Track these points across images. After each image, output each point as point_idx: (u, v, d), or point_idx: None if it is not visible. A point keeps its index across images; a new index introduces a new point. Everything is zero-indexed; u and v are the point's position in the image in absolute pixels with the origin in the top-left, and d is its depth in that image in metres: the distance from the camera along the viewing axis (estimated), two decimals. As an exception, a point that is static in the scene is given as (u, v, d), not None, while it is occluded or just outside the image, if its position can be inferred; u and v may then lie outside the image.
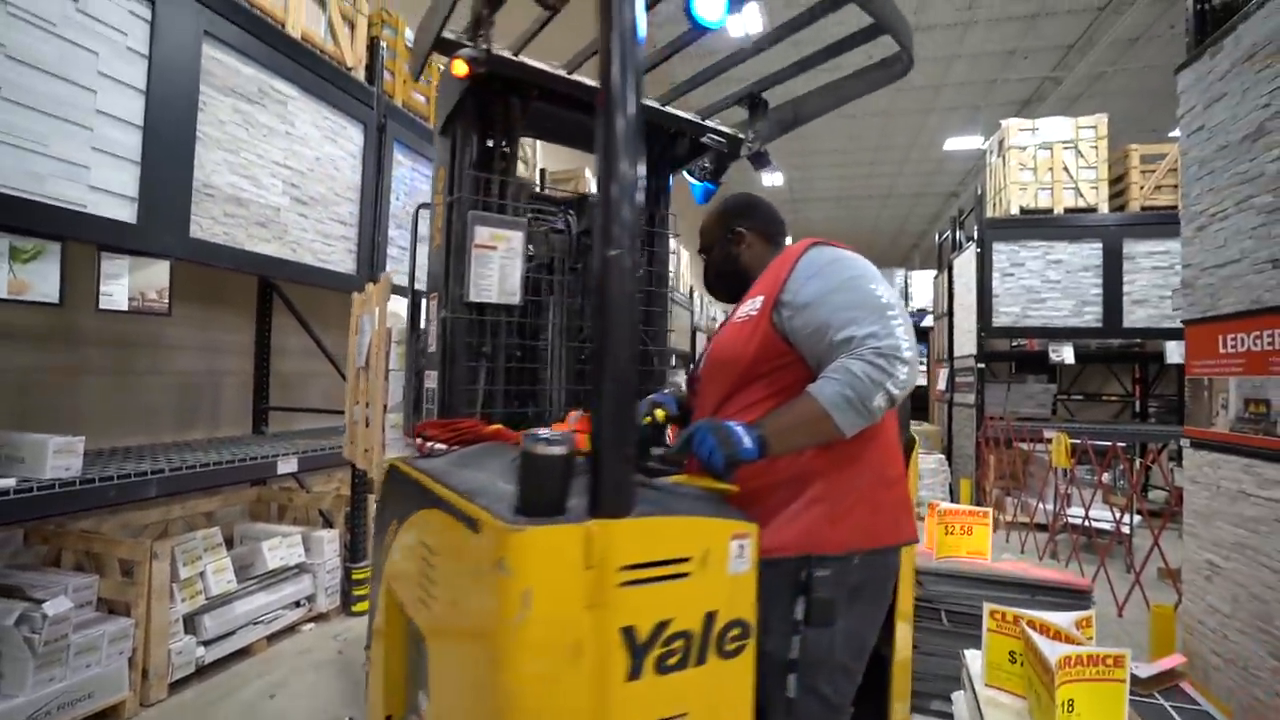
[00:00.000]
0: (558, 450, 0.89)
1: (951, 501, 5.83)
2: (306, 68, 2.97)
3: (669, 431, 1.53)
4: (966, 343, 6.18)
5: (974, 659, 1.57)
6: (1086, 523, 4.18)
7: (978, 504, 5.45)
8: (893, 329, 1.11)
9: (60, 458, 1.96)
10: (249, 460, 2.62)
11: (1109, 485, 5.02)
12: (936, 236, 8.33)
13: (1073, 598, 2.09)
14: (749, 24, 9.25)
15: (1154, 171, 5.55)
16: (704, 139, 1.87)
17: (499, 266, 1.63)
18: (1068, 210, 5.62)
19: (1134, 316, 5.49)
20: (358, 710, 2.25)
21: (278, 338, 3.54)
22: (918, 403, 9.92)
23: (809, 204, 18.61)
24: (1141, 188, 5.55)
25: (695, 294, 8.46)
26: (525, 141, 5.06)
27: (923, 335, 10.37)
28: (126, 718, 2.19)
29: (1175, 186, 5.51)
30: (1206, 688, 2.12)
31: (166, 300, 2.37)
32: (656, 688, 0.90)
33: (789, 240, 1.46)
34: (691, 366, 1.78)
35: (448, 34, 1.52)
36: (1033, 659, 1.32)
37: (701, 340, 8.07)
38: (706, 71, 1.81)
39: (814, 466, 1.17)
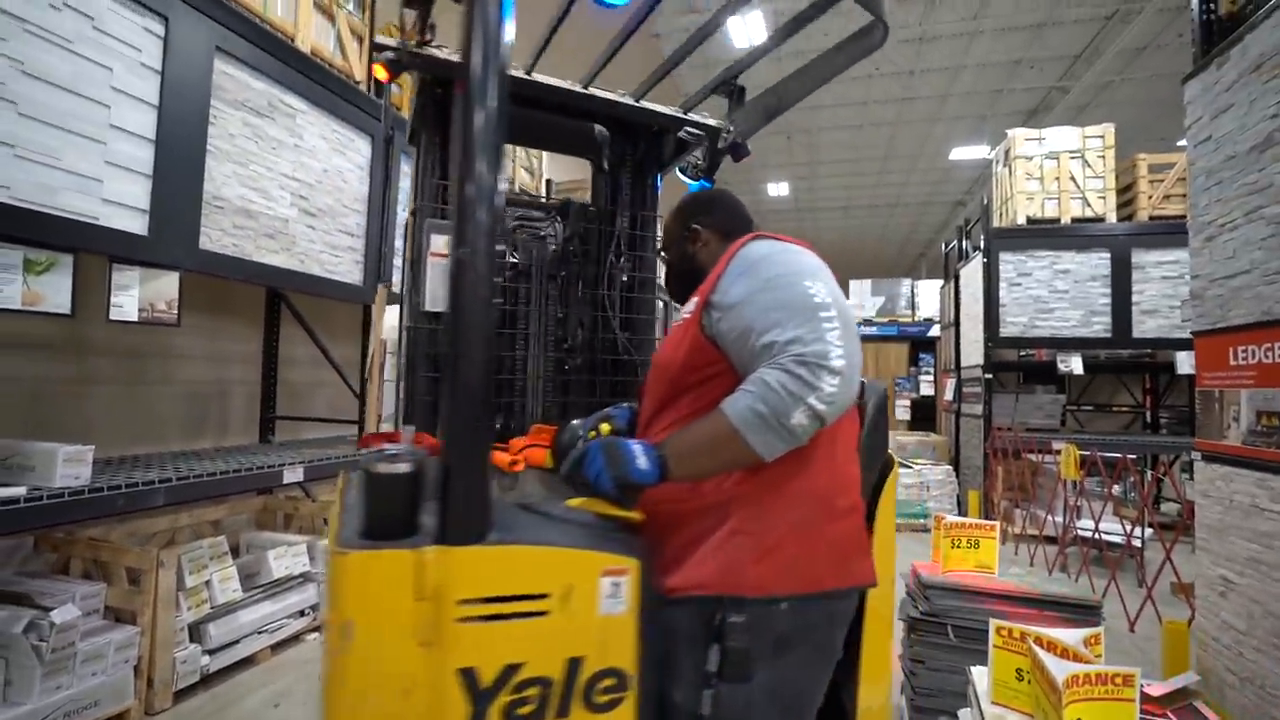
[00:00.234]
0: (401, 469, 0.82)
1: (959, 513, 5.79)
2: (316, 81, 3.02)
3: None
4: (973, 353, 6.15)
5: (980, 676, 1.55)
6: (1097, 535, 4.13)
7: (986, 516, 5.40)
8: (822, 333, 0.94)
9: (70, 466, 1.97)
10: (256, 469, 2.63)
11: (1119, 497, 4.97)
12: (943, 246, 8.30)
13: (1082, 613, 2.06)
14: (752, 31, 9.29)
15: (1162, 181, 5.52)
16: (681, 134, 1.77)
17: None
18: (1075, 220, 5.59)
19: (1144, 327, 5.45)
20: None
21: (285, 348, 3.57)
22: (924, 413, 9.87)
23: (814, 213, 18.62)
24: (1150, 197, 5.52)
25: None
26: (532, 153, 5.11)
27: (929, 345, 10.35)
28: (131, 727, 2.19)
29: (1184, 195, 5.47)
30: (1221, 707, 2.08)
31: (176, 311, 2.40)
32: None
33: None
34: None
35: (381, 39, 1.50)
36: (1040, 677, 1.30)
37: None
38: (673, 56, 1.73)
39: (740, 492, 1.01)
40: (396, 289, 3.07)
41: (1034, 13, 8.29)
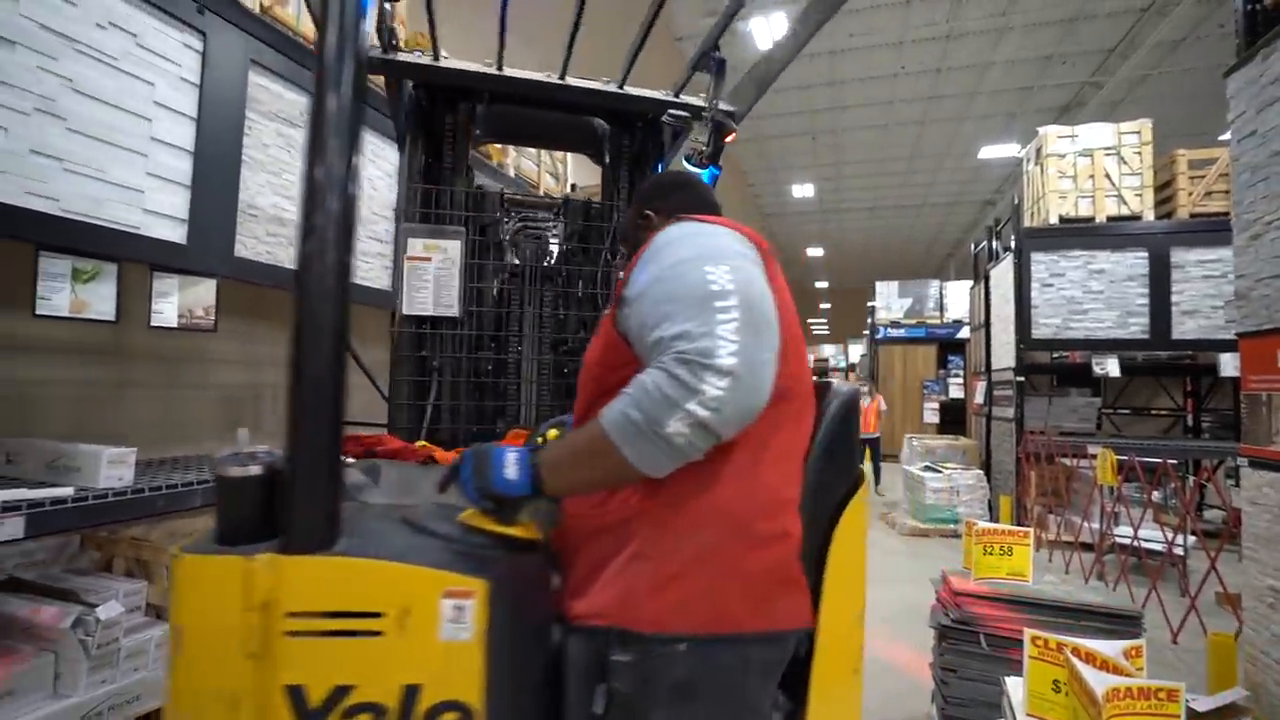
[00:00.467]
0: (252, 471, 0.79)
1: (991, 518, 5.66)
2: (346, 92, 3.08)
3: None
4: (1005, 355, 6.02)
5: (1015, 686, 1.52)
6: (1136, 543, 4.00)
7: (1018, 522, 5.28)
8: (713, 326, 0.79)
9: (114, 468, 2.04)
10: (288, 471, 2.69)
11: (1159, 504, 4.81)
12: (972, 246, 8.15)
13: (1122, 624, 2.00)
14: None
15: (1203, 177, 5.34)
16: (664, 118, 1.66)
17: (434, 278, 1.59)
18: (1110, 219, 5.44)
19: (1184, 327, 5.27)
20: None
21: (316, 352, 3.64)
22: (954, 416, 9.69)
23: (840, 214, 18.44)
24: (1190, 194, 5.34)
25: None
26: (557, 156, 5.13)
27: (958, 348, 10.16)
28: (170, 721, 2.25)
29: (1227, 192, 5.29)
30: (1270, 723, 2.00)
31: (213, 317, 2.47)
32: None
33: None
34: None
35: (404, 55, 1.52)
36: (1078, 690, 1.27)
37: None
38: (692, 58, 1.66)
39: (643, 509, 0.87)
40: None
41: (1065, 7, 8.11)
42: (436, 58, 1.55)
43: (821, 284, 28.85)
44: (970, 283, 8.56)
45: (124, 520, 2.30)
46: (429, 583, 0.78)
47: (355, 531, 0.83)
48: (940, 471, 5.96)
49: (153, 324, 2.28)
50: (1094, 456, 4.37)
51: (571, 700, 0.86)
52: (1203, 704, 1.47)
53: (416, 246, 1.59)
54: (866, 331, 12.75)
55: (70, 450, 2.07)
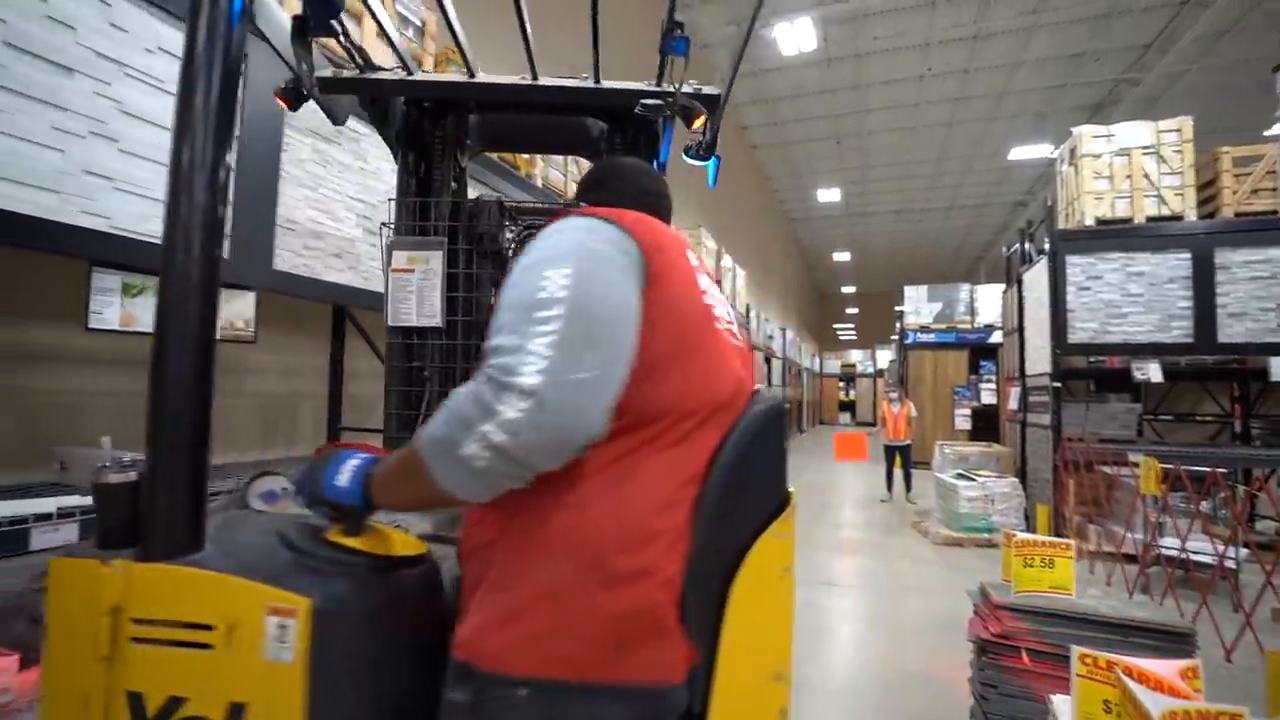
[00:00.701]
0: (129, 477, 0.80)
1: (1027, 528, 5.50)
2: (379, 107, 3.16)
3: None
4: (1039, 360, 5.86)
5: (1063, 705, 1.47)
6: (1183, 555, 3.85)
7: (1056, 531, 5.12)
8: (526, 340, 0.71)
9: (159, 476, 2.11)
10: (323, 479, 2.74)
11: (1208, 514, 4.62)
12: (1004, 249, 7.98)
13: (1173, 641, 1.92)
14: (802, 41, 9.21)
15: (1249, 175, 5.15)
16: (637, 109, 1.56)
17: (417, 289, 1.61)
18: (1150, 219, 5.28)
19: (1231, 331, 5.07)
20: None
21: (350, 361, 3.72)
22: (986, 422, 9.47)
23: (866, 218, 18.24)
24: (1234, 192, 5.16)
25: (753, 313, 8.36)
26: (582, 164, 5.18)
27: (990, 352, 9.93)
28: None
29: (1274, 190, 5.10)
30: (1336, 747, 1.89)
31: (253, 329, 2.54)
32: None
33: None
34: None
35: (424, 74, 1.52)
36: (1132, 711, 1.22)
37: (762, 364, 7.96)
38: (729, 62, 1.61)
39: (500, 534, 0.80)
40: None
41: (1098, 3, 7.93)
42: (471, 74, 1.56)
43: (848, 289, 28.53)
44: (1002, 286, 8.38)
45: (169, 526, 2.38)
46: (255, 598, 0.75)
47: (220, 541, 0.83)
48: (974, 479, 5.82)
49: (196, 336, 2.35)
50: (1135, 464, 4.22)
51: None
52: (1264, 727, 1.40)
53: (400, 259, 1.62)
54: (895, 337, 12.57)
55: (121, 458, 2.14)
